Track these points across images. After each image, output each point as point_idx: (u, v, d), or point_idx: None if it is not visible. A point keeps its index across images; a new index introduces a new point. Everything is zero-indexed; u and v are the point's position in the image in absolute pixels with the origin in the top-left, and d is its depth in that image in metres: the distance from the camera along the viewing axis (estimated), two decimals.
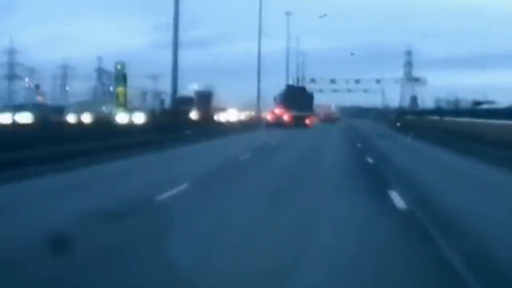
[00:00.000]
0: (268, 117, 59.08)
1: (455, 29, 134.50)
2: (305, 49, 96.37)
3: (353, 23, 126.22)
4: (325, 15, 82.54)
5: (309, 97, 69.47)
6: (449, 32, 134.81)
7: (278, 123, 54.46)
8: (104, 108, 73.38)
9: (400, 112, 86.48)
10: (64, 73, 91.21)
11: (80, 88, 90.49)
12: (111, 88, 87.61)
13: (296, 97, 63.39)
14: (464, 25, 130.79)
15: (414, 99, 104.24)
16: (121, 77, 79.78)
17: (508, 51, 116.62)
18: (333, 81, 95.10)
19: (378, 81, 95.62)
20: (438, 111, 71.38)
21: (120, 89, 79.83)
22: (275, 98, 69.47)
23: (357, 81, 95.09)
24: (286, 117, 57.22)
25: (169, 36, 38.47)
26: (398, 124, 64.62)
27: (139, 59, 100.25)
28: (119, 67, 79.15)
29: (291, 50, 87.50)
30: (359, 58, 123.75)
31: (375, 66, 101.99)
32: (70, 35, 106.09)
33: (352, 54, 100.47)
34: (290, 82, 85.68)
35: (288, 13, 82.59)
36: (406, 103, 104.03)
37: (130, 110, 75.94)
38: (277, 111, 59.19)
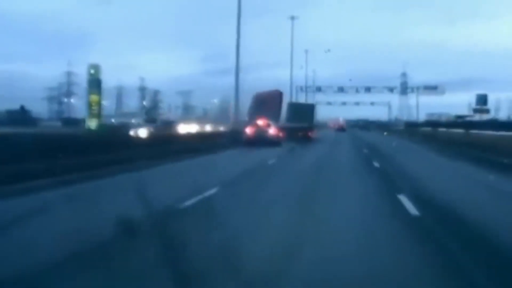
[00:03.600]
0: (247, 131, 39.14)
1: (432, 59, 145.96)
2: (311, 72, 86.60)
3: (349, 55, 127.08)
4: (329, 50, 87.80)
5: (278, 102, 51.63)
6: (427, 61, 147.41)
7: (261, 139, 36.71)
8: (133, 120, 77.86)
9: (409, 124, 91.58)
10: (120, 93, 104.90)
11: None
12: (144, 102, 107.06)
13: (263, 104, 47.97)
14: (439, 57, 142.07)
15: (483, 99, 79.83)
16: (95, 84, 68.42)
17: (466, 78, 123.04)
18: (341, 89, 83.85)
19: (390, 89, 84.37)
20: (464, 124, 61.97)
21: (94, 97, 68.45)
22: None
23: (368, 89, 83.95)
24: (272, 131, 39.28)
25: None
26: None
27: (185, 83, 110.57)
28: (92, 71, 67.99)
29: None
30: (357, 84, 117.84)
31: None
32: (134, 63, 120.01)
33: (350, 80, 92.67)
34: (294, 91, 74.51)
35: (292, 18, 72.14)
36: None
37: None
38: (261, 122, 39.90)
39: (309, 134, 49.92)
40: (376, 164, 22.91)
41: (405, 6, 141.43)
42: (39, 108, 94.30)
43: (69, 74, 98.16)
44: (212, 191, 12.97)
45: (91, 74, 65.30)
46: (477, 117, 78.77)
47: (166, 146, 26.66)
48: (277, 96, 50.22)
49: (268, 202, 11.89)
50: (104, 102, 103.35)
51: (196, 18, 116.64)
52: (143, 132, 36.90)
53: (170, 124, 58.92)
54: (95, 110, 65.56)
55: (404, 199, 11.93)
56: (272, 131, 39.15)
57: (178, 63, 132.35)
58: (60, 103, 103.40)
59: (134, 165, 18.86)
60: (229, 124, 49.02)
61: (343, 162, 25.79)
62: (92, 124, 63.29)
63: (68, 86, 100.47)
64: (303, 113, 51.49)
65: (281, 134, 42.55)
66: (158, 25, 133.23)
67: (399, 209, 10.87)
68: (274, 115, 46.85)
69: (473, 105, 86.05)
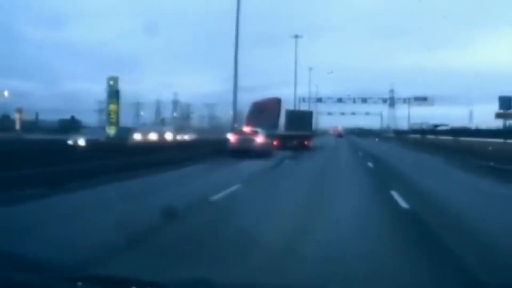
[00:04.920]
0: (231, 138, 25.69)
1: (416, 78, 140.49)
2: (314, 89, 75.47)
3: (347, 75, 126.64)
4: (332, 72, 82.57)
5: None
6: (412, 80, 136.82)
7: (246, 149, 23.78)
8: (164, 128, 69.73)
9: (398, 132, 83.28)
10: (158, 106, 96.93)
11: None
12: (174, 114, 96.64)
13: (260, 112, 34.57)
14: (421, 77, 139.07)
15: (508, 102, 55.17)
16: (114, 94, 56.68)
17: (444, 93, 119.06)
18: (340, 100, 71.24)
19: (384, 100, 71.95)
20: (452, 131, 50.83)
21: (112, 106, 56.53)
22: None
23: (364, 100, 71.22)
24: (260, 139, 25.20)
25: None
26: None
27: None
28: (111, 82, 56.22)
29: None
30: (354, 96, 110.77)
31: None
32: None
33: (348, 95, 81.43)
34: (297, 102, 62.14)
35: (296, 36, 60.05)
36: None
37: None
38: (247, 129, 26.91)
39: (306, 142, 35.42)
40: (402, 204, 9.27)
41: (393, 34, 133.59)
42: (92, 118, 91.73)
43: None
44: None
45: (110, 85, 54.33)
46: (450, 126, 68.72)
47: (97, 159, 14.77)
48: (275, 103, 37.48)
49: None
50: (143, 113, 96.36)
51: (221, 45, 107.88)
52: (82, 141, 25.02)
53: (125, 132, 43.21)
54: (113, 118, 54.71)
55: None
56: (259, 139, 24.88)
57: (207, 81, 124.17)
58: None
59: None
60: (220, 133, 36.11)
61: (344, 191, 11.62)
62: (111, 131, 52.60)
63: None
64: (301, 120, 37.14)
65: (275, 143, 30.87)
66: (191, 51, 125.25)
67: None
68: (272, 123, 34.81)
69: (473, 115, 73.37)
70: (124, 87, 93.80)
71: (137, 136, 38.83)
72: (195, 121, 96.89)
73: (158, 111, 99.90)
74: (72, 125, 73.43)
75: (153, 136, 38.46)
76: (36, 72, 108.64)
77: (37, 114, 79.73)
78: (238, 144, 24.16)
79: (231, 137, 25.26)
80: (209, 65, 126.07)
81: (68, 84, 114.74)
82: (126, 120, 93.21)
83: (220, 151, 23.79)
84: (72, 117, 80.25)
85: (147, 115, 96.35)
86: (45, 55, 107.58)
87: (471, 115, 76.48)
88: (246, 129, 26.65)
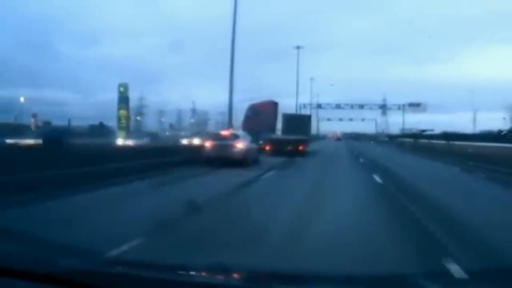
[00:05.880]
0: (207, 145, 17.02)
1: (405, 89, 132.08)
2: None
3: (345, 86, 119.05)
4: (333, 84, 66.34)
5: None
6: (402, 91, 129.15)
7: (223, 157, 15.91)
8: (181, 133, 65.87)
9: (391, 136, 76.22)
10: (179, 113, 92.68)
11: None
12: (191, 120, 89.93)
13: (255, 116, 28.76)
14: (410, 88, 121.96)
15: None
16: (124, 100, 49.12)
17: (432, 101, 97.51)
18: (338, 106, 63.98)
19: (381, 106, 64.12)
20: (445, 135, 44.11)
21: (122, 112, 48.84)
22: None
23: (361, 106, 63.85)
24: (241, 145, 16.78)
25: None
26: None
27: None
28: (122, 89, 48.68)
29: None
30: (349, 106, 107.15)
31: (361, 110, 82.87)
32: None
33: (346, 104, 77.58)
34: (299, 108, 54.87)
35: (298, 47, 53.57)
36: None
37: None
38: (225, 132, 18.36)
39: (300, 148, 26.59)
40: None
41: (387, 51, 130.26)
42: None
43: (141, 99, 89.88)
44: None
45: (120, 92, 47.85)
46: (438, 131, 63.68)
47: None
48: (271, 106, 30.63)
49: None
50: (163, 119, 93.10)
51: (236, 60, 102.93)
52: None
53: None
54: (123, 123, 47.85)
55: None
56: (240, 145, 16.88)
57: (222, 92, 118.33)
58: (136, 120, 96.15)
59: None
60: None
61: (346, 256, 4.12)
62: (121, 136, 45.67)
63: (140, 108, 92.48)
64: (298, 124, 28.87)
65: (268, 148, 23.96)
66: (209, 65, 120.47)
67: None
68: (269, 127, 28.31)
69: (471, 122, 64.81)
70: (149, 97, 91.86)
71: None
72: (211, 126, 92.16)
73: (179, 118, 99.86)
74: (100, 130, 68.32)
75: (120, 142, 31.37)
76: (71, 84, 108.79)
77: (69, 120, 74.96)
78: (214, 151, 16.65)
79: (207, 143, 17.45)
80: (224, 77, 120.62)
81: (99, 95, 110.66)
82: (152, 125, 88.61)
83: (196, 159, 16.46)
84: (101, 123, 75.05)
85: (169, 121, 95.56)
86: (80, 69, 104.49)
87: (474, 120, 67.22)
88: (224, 132, 18.83)
